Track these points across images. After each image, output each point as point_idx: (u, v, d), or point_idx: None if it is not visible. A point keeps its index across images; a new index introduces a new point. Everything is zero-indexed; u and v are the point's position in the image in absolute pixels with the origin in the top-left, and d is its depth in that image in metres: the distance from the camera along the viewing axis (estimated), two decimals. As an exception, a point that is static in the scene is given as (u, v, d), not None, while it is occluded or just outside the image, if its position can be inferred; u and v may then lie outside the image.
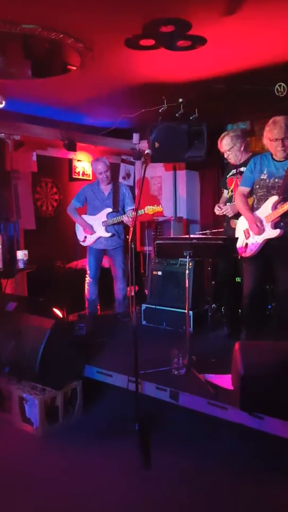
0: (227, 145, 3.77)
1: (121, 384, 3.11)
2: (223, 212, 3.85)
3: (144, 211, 4.19)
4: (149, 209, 4.20)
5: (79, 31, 2.89)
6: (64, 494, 2.37)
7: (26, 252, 4.70)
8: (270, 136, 3.11)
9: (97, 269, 4.61)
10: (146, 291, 4.83)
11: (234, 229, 3.77)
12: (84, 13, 2.63)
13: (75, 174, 5.79)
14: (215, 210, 3.96)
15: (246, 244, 3.33)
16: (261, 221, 3.20)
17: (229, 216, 3.81)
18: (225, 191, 4.04)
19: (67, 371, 3.17)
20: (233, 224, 3.80)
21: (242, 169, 3.77)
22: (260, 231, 3.19)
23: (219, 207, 3.89)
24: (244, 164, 3.75)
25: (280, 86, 3.68)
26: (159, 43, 3.09)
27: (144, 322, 4.47)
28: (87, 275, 4.64)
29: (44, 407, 2.96)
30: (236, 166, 3.85)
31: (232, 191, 3.86)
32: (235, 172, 3.86)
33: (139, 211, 4.18)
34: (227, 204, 3.86)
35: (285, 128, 3.05)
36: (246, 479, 2.45)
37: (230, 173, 3.91)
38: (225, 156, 3.86)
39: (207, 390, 2.77)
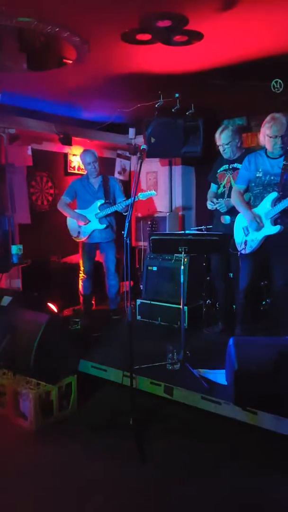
0: (226, 138, 3.69)
1: (115, 379, 3.12)
2: (216, 207, 3.84)
3: (138, 197, 4.16)
4: (142, 195, 4.20)
5: (75, 25, 2.87)
6: (58, 488, 2.38)
7: (21, 246, 4.69)
8: (269, 132, 3.10)
9: (91, 265, 4.60)
10: (141, 286, 4.84)
11: (224, 225, 3.78)
12: (80, 6, 2.61)
13: (71, 168, 5.76)
14: (208, 205, 3.94)
15: (246, 241, 3.34)
16: (260, 217, 3.21)
17: (222, 211, 3.80)
18: (213, 185, 4.01)
19: (62, 365, 3.18)
20: (223, 220, 3.80)
21: (235, 165, 3.76)
22: (260, 227, 3.19)
23: (212, 202, 3.88)
24: (238, 160, 3.73)
25: (276, 82, 3.68)
26: (155, 38, 3.07)
27: (139, 317, 4.48)
28: (81, 272, 4.63)
29: (38, 401, 2.97)
30: (229, 162, 3.82)
31: (224, 186, 3.85)
32: (227, 167, 3.84)
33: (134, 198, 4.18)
34: (220, 199, 3.85)
35: (286, 124, 3.05)
36: (242, 472, 2.48)
37: (222, 168, 3.88)
38: (221, 150, 3.78)
39: (201, 385, 2.79)
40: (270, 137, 3.10)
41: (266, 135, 3.13)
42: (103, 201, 4.40)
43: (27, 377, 3.12)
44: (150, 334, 4.00)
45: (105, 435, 2.87)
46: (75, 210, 4.51)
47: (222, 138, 3.72)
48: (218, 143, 3.79)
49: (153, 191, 4.34)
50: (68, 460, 2.64)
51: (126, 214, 4.26)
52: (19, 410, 3.05)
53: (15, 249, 4.61)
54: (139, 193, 4.20)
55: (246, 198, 3.44)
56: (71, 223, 4.56)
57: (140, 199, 4.20)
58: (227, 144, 3.72)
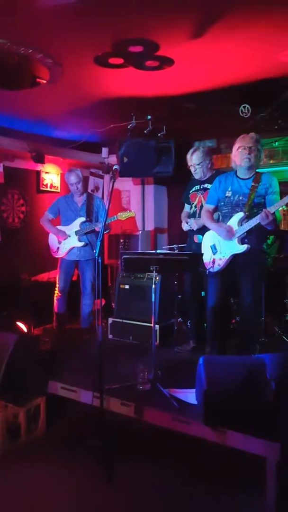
0: (198, 159, 3.81)
1: (85, 400, 3.07)
2: (189, 226, 3.93)
3: (116, 217, 4.23)
4: (122, 216, 4.24)
5: (48, 47, 2.91)
6: (24, 515, 2.31)
7: (-10, 264, 4.61)
8: (240, 143, 3.23)
9: (66, 283, 4.57)
10: (113, 304, 4.82)
11: (196, 244, 3.85)
12: (53, 29, 2.65)
13: (43, 186, 5.75)
14: (183, 227, 4.04)
15: (214, 259, 3.40)
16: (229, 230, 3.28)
17: (194, 229, 3.88)
18: (186, 206, 4.11)
19: (31, 387, 3.11)
20: (196, 239, 3.88)
21: (206, 185, 3.87)
22: (230, 235, 3.25)
23: (186, 222, 3.98)
24: (208, 181, 3.84)
25: (244, 107, 3.82)
26: (127, 62, 3.15)
27: (110, 336, 4.45)
28: (56, 289, 4.59)
29: (5, 424, 2.89)
30: (201, 182, 3.93)
31: (195, 206, 3.95)
32: (198, 188, 3.94)
33: (112, 217, 4.22)
34: (191, 218, 3.93)
35: (255, 139, 3.20)
36: (212, 493, 2.47)
37: (194, 189, 3.99)
38: (192, 170, 3.90)
39: (172, 405, 2.78)
40: (240, 147, 3.22)
41: (237, 149, 3.25)
42: (84, 218, 4.42)
43: (-6, 399, 3.03)
44: (121, 353, 3.97)
45: (74, 457, 2.81)
46: (57, 227, 4.52)
47: (194, 159, 3.84)
48: (189, 164, 3.90)
49: (133, 212, 4.37)
50: (34, 484, 2.57)
51: (106, 232, 4.32)
52: (-15, 434, 2.96)
53: (-16, 267, 4.53)
54: (118, 213, 4.25)
55: (215, 217, 3.53)
56: (52, 238, 4.59)
57: (119, 219, 4.24)
58: (198, 165, 3.83)
